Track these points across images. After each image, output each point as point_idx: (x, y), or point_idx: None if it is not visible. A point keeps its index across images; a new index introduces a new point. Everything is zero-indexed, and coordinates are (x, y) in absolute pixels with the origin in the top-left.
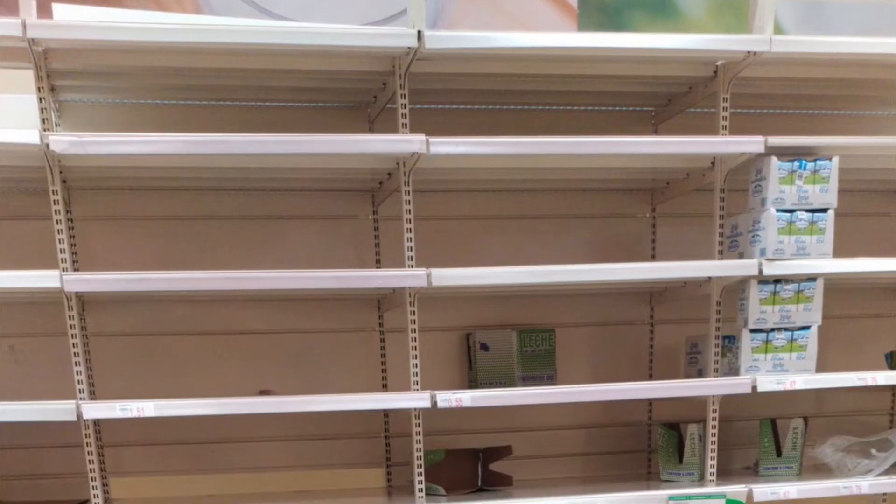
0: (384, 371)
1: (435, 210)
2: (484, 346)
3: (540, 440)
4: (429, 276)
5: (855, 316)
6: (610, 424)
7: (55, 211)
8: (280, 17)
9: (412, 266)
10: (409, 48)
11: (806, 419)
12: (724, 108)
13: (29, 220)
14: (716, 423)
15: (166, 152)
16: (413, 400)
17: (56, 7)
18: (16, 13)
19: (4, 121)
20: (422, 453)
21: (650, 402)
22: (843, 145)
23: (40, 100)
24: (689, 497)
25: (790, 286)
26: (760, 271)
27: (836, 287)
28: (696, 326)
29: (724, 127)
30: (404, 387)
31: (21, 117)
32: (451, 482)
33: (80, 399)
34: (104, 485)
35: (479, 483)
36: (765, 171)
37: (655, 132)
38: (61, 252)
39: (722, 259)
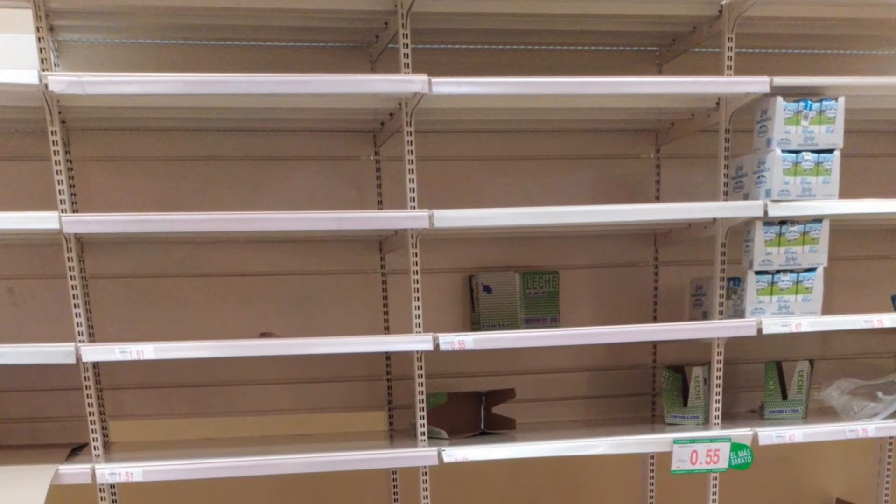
0: (386, 313)
1: (437, 151)
2: (487, 289)
3: (543, 383)
4: (431, 217)
5: (861, 258)
6: (614, 367)
7: (54, 152)
8: None
9: (414, 207)
10: None
11: (812, 362)
12: (730, 48)
13: (27, 162)
14: (720, 365)
15: (166, 93)
16: (415, 343)
17: None
18: None
19: (3, 61)
20: (424, 396)
21: (654, 345)
22: (849, 85)
23: (39, 39)
24: (693, 440)
25: (796, 228)
26: (766, 213)
27: (842, 228)
28: (700, 268)
29: (729, 67)
30: (406, 329)
31: (20, 58)
32: (453, 425)
33: (79, 342)
34: (103, 428)
35: (482, 426)
36: (770, 112)
37: (660, 72)
38: (60, 193)
39: (727, 200)
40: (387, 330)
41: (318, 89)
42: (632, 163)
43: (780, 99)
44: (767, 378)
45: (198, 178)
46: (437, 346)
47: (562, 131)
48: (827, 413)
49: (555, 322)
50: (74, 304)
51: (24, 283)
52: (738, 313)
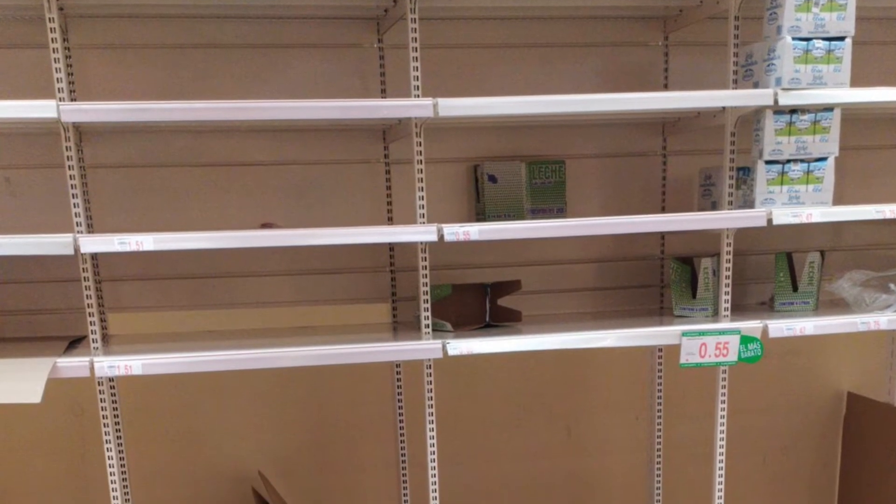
0: (389, 204)
1: (442, 38)
2: (492, 178)
3: (549, 275)
4: (435, 106)
5: (873, 147)
6: (621, 258)
7: (52, 39)
8: None
9: (418, 96)
10: None
11: (822, 253)
12: None
13: (25, 50)
14: (730, 256)
15: None
16: (419, 233)
17: None
18: None
19: None
20: (428, 288)
21: (662, 236)
22: None
23: None
24: (702, 333)
25: (806, 116)
26: (776, 101)
27: (854, 117)
28: (709, 158)
29: None
30: (410, 220)
31: None
32: (458, 317)
33: (78, 232)
34: (102, 320)
35: (487, 318)
36: None
37: None
38: (58, 82)
39: (736, 89)
40: (390, 220)
41: None
42: (640, 50)
43: None
44: (777, 269)
45: (198, 66)
46: (441, 236)
47: (568, 18)
48: (838, 305)
49: (561, 212)
50: (73, 195)
51: (21, 172)
52: (748, 203)
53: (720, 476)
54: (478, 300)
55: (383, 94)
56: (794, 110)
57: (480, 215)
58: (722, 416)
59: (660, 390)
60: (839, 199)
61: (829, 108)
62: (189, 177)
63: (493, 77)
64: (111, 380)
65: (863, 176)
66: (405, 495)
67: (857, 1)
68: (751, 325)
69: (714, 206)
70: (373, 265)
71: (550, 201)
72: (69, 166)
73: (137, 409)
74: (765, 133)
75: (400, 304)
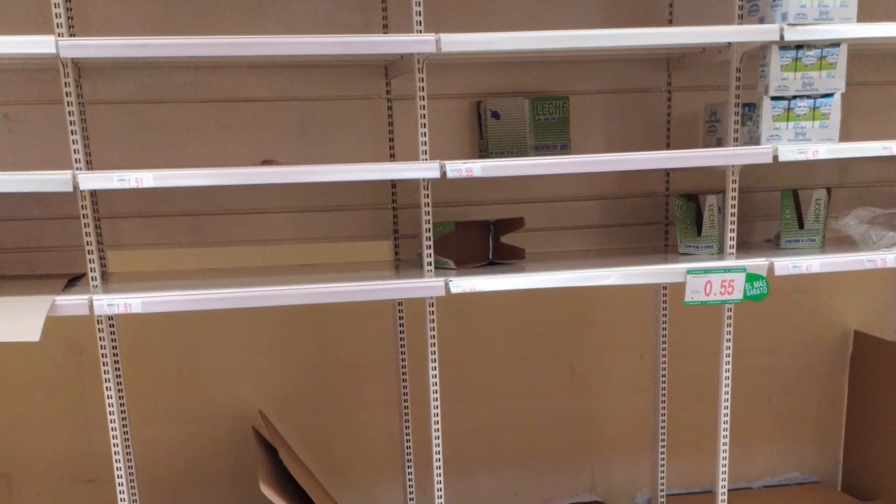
0: (391, 141)
1: None
2: (495, 115)
3: (553, 212)
4: (438, 41)
5: (880, 83)
6: (626, 196)
7: None
8: None
9: (420, 31)
10: None
11: (829, 190)
12: None
13: None
14: (735, 194)
15: None
16: (421, 170)
17: None
18: None
19: None
20: (430, 225)
21: (667, 173)
22: None
23: None
24: (707, 270)
25: (813, 52)
26: (782, 36)
27: (861, 53)
28: (715, 94)
29: None
30: (412, 157)
31: None
32: (460, 255)
33: (77, 169)
34: (101, 258)
35: (490, 256)
36: None
37: None
38: (57, 17)
39: (742, 24)
40: (392, 157)
41: None
42: None
43: None
44: (783, 207)
45: (198, 1)
46: (443, 173)
47: None
48: (844, 242)
49: (565, 149)
50: (72, 131)
51: (20, 109)
52: (754, 140)
53: (725, 415)
54: (481, 238)
55: (385, 29)
56: (800, 46)
57: (483, 152)
58: (727, 355)
59: (664, 329)
60: (846, 136)
61: (835, 44)
62: (189, 113)
63: (496, 12)
64: (110, 318)
65: (870, 112)
66: (407, 434)
67: None
68: (756, 263)
69: (719, 143)
70: (375, 202)
71: (554, 138)
72: (68, 102)
73: (137, 348)
74: (770, 69)
75: (402, 242)
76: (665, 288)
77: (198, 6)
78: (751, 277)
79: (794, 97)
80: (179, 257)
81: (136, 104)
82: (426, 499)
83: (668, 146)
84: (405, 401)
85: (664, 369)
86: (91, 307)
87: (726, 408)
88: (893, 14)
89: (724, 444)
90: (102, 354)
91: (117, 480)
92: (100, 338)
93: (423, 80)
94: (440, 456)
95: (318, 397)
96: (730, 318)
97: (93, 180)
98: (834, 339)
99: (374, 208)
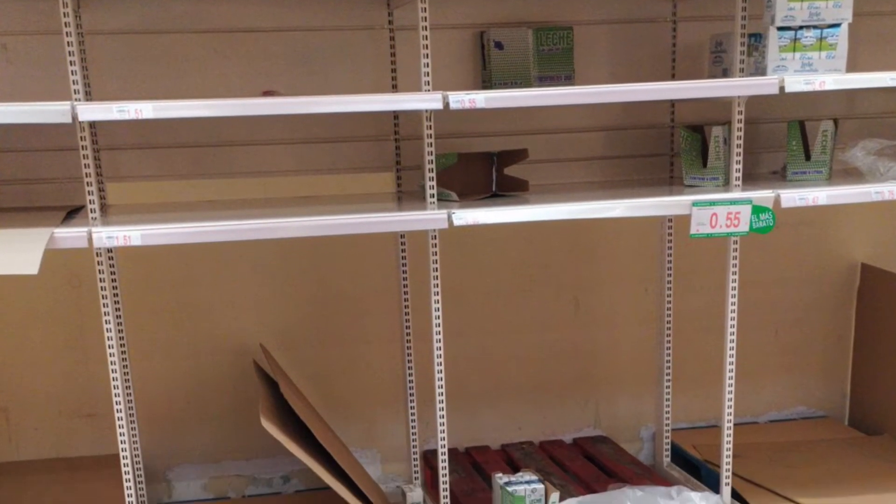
0: (394, 71)
1: None
2: (498, 45)
3: (557, 143)
4: None
5: (887, 13)
6: (630, 127)
7: None
8: None
9: None
10: None
11: (836, 121)
12: None
13: None
14: (741, 125)
15: None
16: (424, 101)
17: None
18: None
19: None
20: (433, 157)
21: (672, 104)
22: None
23: None
24: (713, 203)
25: None
26: None
27: None
28: (720, 24)
29: None
30: (415, 88)
31: None
32: (463, 187)
33: (76, 100)
34: (100, 190)
35: (494, 188)
36: None
37: None
38: None
39: None
40: (395, 88)
41: None
42: None
43: None
44: (790, 138)
45: None
46: (446, 104)
47: None
48: (852, 174)
49: (569, 80)
50: (70, 62)
51: (18, 39)
52: (760, 71)
53: (731, 349)
54: (484, 169)
55: None
56: None
57: (487, 83)
58: (733, 288)
59: (670, 261)
60: (853, 66)
61: None
62: (189, 44)
63: None
64: (110, 251)
65: (877, 42)
66: (409, 368)
67: None
68: (763, 195)
69: (725, 74)
70: (377, 134)
71: (558, 68)
72: (67, 33)
73: (136, 281)
74: None
75: (404, 174)
76: (670, 220)
77: None
78: (757, 209)
79: (801, 27)
80: (179, 189)
81: (135, 35)
82: (428, 432)
83: (673, 77)
84: (407, 334)
85: (669, 302)
86: (90, 239)
87: (732, 341)
88: None
89: (730, 378)
90: (101, 287)
91: (116, 415)
92: (99, 270)
93: (425, 10)
94: (443, 390)
95: (319, 331)
96: (736, 250)
97: (92, 111)
98: (841, 272)
99: (376, 140)
